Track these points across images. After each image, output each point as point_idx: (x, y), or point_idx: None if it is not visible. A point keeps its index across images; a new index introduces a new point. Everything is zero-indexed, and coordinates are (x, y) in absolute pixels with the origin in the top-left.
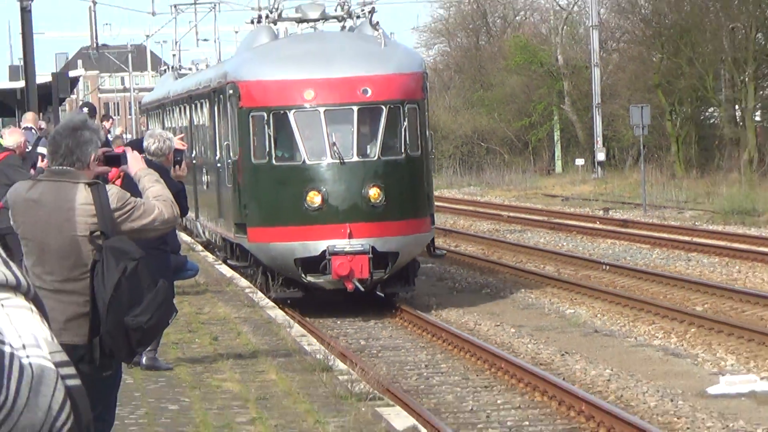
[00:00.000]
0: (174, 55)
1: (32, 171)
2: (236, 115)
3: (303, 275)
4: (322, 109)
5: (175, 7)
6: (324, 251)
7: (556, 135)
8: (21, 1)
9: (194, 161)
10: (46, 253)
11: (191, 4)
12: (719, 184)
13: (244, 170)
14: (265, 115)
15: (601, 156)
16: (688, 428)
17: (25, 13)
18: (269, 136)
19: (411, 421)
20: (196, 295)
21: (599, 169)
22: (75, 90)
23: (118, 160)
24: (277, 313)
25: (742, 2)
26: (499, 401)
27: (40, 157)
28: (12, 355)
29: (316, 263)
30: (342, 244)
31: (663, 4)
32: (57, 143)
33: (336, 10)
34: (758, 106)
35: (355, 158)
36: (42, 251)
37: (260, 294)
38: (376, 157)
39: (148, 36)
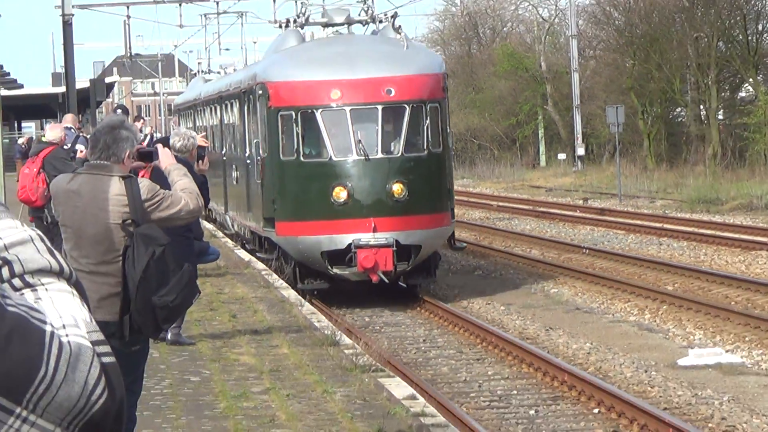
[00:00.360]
0: (199, 63)
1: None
2: (265, 115)
3: (329, 267)
4: (348, 108)
5: (204, 16)
6: (350, 244)
7: (541, 132)
8: (63, 16)
9: (224, 158)
10: (82, 239)
11: (217, 15)
12: (687, 176)
13: (272, 167)
14: (294, 114)
15: (580, 151)
16: (660, 396)
17: (67, 26)
18: (297, 134)
19: (410, 390)
20: (217, 277)
21: (579, 162)
22: (110, 94)
23: (150, 156)
24: (290, 293)
25: (704, 14)
26: (489, 372)
27: (79, 152)
28: (52, 333)
29: (342, 256)
30: (367, 237)
31: (634, 16)
32: (96, 139)
33: (360, 15)
34: (720, 106)
35: (380, 155)
36: (79, 237)
37: (275, 276)
38: (399, 154)
39: (176, 46)
